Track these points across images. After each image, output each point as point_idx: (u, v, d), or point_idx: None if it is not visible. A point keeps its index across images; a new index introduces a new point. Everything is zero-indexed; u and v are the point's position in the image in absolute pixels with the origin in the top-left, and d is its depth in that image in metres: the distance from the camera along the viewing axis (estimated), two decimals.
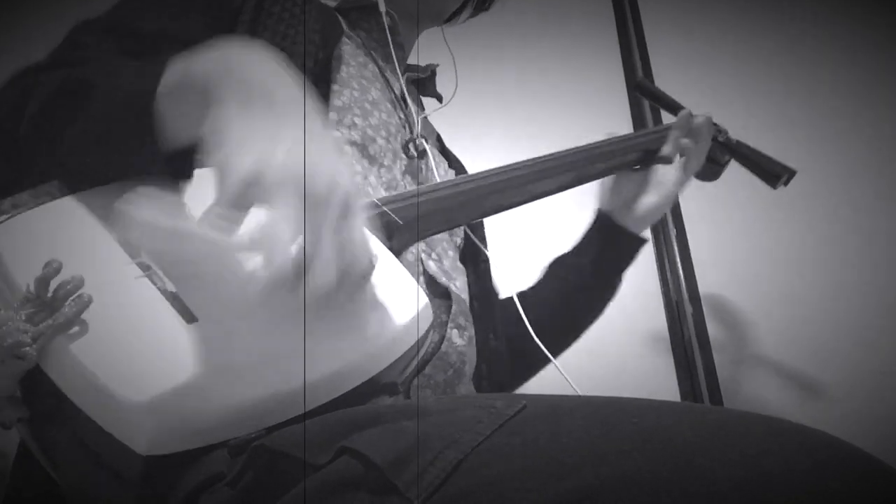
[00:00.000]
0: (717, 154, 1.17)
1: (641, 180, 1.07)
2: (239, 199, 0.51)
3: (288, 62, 0.83)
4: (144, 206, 0.54)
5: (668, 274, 1.76)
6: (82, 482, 0.57)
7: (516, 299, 0.96)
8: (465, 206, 0.88)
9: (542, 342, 1.02)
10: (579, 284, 1.09)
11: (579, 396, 0.52)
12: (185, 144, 0.59)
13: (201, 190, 0.65)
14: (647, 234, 1.14)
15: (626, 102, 1.94)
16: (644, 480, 0.41)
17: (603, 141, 1.05)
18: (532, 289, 1.12)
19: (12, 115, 0.66)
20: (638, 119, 1.85)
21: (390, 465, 0.45)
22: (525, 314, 1.03)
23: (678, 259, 1.77)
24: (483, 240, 1.07)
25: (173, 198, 0.63)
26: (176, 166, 0.62)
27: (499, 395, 0.53)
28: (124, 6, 0.84)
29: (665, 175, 1.06)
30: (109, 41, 0.78)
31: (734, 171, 1.79)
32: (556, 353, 1.08)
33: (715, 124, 1.18)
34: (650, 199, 1.06)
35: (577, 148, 1.00)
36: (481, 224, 1.10)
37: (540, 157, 0.95)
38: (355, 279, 0.55)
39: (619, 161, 1.05)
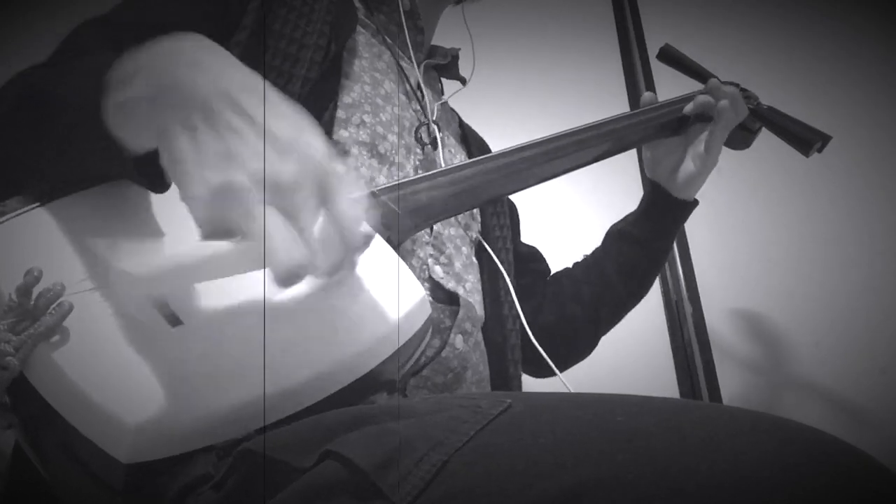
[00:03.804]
0: (748, 121, 1.14)
1: (679, 149, 1.08)
2: (211, 224, 0.49)
3: (297, 54, 0.82)
4: (129, 255, 0.51)
5: (668, 274, 1.76)
6: (71, 485, 0.56)
7: (517, 302, 0.95)
8: (475, 189, 0.87)
9: (601, 316, 1.11)
10: (637, 256, 1.11)
11: (564, 393, 0.52)
12: (150, 149, 0.57)
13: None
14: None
15: (626, 105, 1.94)
16: (627, 480, 0.40)
17: (635, 111, 1.06)
18: (586, 266, 1.14)
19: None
20: (636, 107, 1.85)
21: (375, 469, 0.45)
22: (586, 288, 1.10)
23: (678, 259, 1.77)
24: (504, 228, 1.06)
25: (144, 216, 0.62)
26: (148, 174, 0.60)
27: (484, 394, 0.52)
28: (127, 3, 0.82)
29: (698, 142, 1.07)
30: (111, 40, 0.77)
31: (734, 171, 1.79)
32: (607, 330, 1.16)
33: (745, 90, 1.16)
34: (689, 167, 1.07)
35: (609, 118, 1.01)
36: (505, 209, 1.09)
37: (565, 132, 0.95)
38: (354, 249, 0.53)
39: (651, 131, 1.06)
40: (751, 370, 1.65)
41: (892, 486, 0.41)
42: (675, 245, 1.78)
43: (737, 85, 1.17)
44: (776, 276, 1.71)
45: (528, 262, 1.15)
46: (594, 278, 1.12)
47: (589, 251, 1.17)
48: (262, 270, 0.51)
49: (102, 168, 0.63)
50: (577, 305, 1.10)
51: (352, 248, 0.52)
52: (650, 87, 1.91)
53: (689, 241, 1.79)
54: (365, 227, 0.53)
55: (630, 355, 1.64)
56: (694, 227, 1.80)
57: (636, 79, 1.96)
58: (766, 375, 1.64)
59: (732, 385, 1.61)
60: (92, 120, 0.57)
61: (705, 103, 1.06)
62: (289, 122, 0.52)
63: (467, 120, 1.15)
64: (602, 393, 0.50)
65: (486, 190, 0.89)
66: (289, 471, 0.49)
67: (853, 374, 1.58)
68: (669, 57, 1.21)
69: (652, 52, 1.96)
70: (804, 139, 1.11)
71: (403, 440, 0.46)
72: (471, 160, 0.89)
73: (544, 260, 1.19)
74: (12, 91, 0.65)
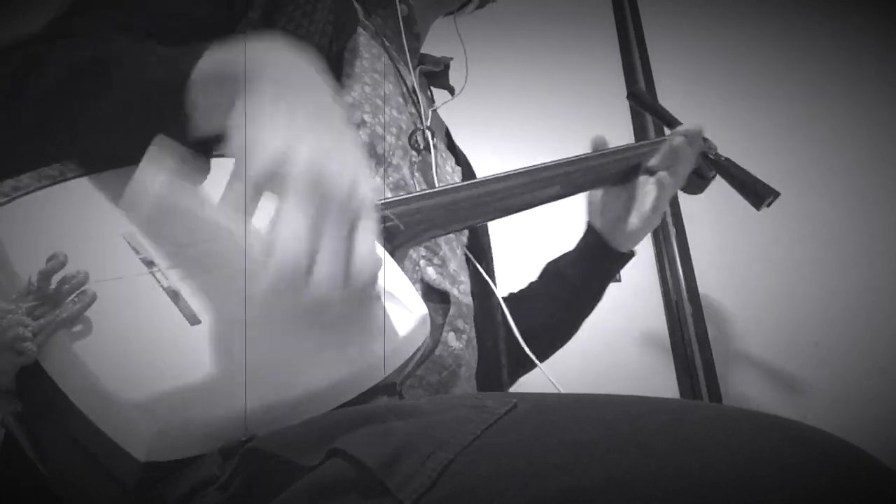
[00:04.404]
0: (704, 169, 1.17)
1: (627, 200, 1.07)
2: (259, 180, 0.50)
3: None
4: (160, 180, 0.52)
5: (668, 274, 1.76)
6: (72, 479, 0.56)
7: (503, 303, 0.96)
8: (453, 213, 0.87)
9: (532, 349, 1.04)
10: (569, 297, 1.11)
11: (569, 394, 0.52)
12: (211, 134, 0.58)
13: (216, 180, 0.64)
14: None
15: (626, 105, 1.94)
16: (629, 481, 0.41)
17: (589, 154, 1.05)
18: (524, 297, 1.14)
19: (13, 90, 0.64)
20: (638, 121, 1.86)
21: (381, 467, 0.45)
22: (515, 321, 1.05)
23: (678, 259, 1.77)
24: (486, 236, 1.07)
25: (189, 179, 0.61)
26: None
27: (490, 394, 0.52)
28: None
29: (646, 196, 1.06)
30: (110, 16, 0.76)
31: None
32: (542, 360, 1.09)
33: (705, 139, 1.18)
34: (634, 222, 1.07)
35: (562, 160, 1.00)
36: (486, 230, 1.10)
37: (525, 168, 0.95)
38: (359, 286, 0.53)
39: (606, 174, 1.05)
40: (751, 370, 1.65)
41: (892, 485, 0.41)
42: (675, 245, 1.78)
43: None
44: (776, 276, 1.72)
45: None
46: (523, 315, 1.07)
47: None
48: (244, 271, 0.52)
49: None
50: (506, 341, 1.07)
51: (352, 287, 0.52)
52: (650, 87, 1.91)
53: (689, 241, 1.79)
54: (373, 275, 0.53)
55: (630, 355, 1.65)
56: (694, 227, 1.80)
57: (636, 79, 1.96)
58: (766, 375, 1.64)
59: (732, 385, 1.61)
60: (157, 101, 0.58)
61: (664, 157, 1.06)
62: (352, 148, 0.55)
63: (468, 120, 1.16)
64: (605, 394, 0.50)
65: (485, 210, 0.90)
66: (295, 469, 0.49)
67: (853, 374, 1.58)
68: (638, 99, 1.24)
69: (652, 52, 1.96)
70: (756, 193, 1.15)
71: (409, 439, 0.47)
72: (469, 181, 0.90)
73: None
74: (63, 61, 0.64)
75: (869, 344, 1.61)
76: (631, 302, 1.65)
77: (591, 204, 1.11)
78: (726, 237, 1.77)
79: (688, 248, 1.78)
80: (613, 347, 1.59)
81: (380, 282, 0.57)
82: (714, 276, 1.73)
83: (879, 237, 1.75)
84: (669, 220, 1.80)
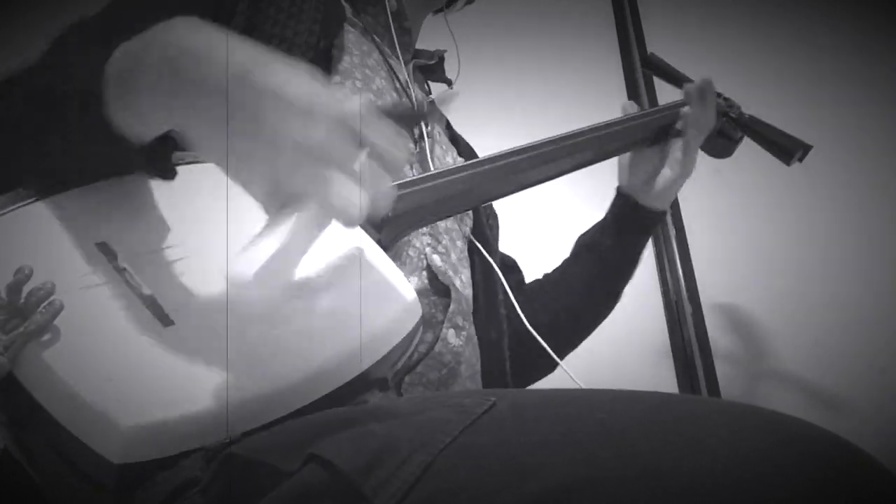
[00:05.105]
0: (730, 130, 1.14)
1: (657, 158, 1.07)
2: (276, 200, 0.51)
3: (288, 53, 0.82)
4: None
5: (668, 274, 1.76)
6: (59, 485, 0.56)
7: (511, 295, 0.95)
8: (463, 194, 0.86)
9: (571, 329, 1.08)
10: (603, 266, 1.10)
11: (549, 390, 0.52)
12: (156, 135, 0.57)
13: (193, 185, 0.65)
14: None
15: (624, 96, 1.93)
16: (609, 482, 0.40)
17: (615, 120, 1.04)
18: (558, 274, 1.13)
19: None
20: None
21: (357, 472, 0.45)
22: (555, 300, 1.07)
23: (678, 259, 1.77)
24: (493, 228, 1.06)
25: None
26: (156, 164, 0.61)
27: (468, 392, 0.52)
28: (116, 5, 0.82)
29: (676, 150, 1.06)
30: (99, 44, 0.77)
31: (734, 170, 1.78)
32: (582, 339, 1.12)
33: (727, 99, 1.16)
34: (667, 175, 1.06)
35: (588, 128, 1.00)
36: (493, 212, 1.09)
37: (548, 139, 0.94)
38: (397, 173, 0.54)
39: (632, 140, 1.05)
40: (750, 370, 1.64)
41: (886, 481, 0.41)
42: (675, 245, 1.78)
43: (719, 95, 1.17)
44: (776, 275, 1.71)
45: (506, 272, 1.15)
46: (562, 294, 1.10)
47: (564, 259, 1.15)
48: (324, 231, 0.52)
49: (109, 162, 0.62)
50: (546, 318, 1.06)
51: (400, 167, 0.53)
52: (650, 87, 1.91)
53: (689, 241, 1.78)
54: (403, 148, 0.53)
55: (630, 355, 1.64)
56: (694, 227, 1.80)
57: (636, 79, 1.96)
58: (766, 375, 1.63)
59: (732, 385, 1.61)
60: (99, 114, 0.57)
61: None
62: (300, 82, 0.51)
63: (468, 120, 1.15)
64: (587, 388, 0.50)
65: (480, 193, 0.89)
66: (274, 474, 0.48)
67: (853, 374, 1.58)
68: (653, 66, 1.21)
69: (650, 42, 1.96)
70: (785, 148, 1.11)
71: (387, 442, 0.46)
72: (465, 163, 0.89)
73: (520, 270, 1.17)
74: (18, 93, 0.65)
75: (868, 344, 1.61)
76: (631, 302, 1.65)
77: (620, 165, 1.10)
78: (726, 237, 1.77)
79: (688, 248, 1.77)
80: (613, 347, 1.58)
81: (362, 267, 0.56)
82: (714, 276, 1.72)
83: (879, 237, 1.74)
84: (669, 219, 1.80)
